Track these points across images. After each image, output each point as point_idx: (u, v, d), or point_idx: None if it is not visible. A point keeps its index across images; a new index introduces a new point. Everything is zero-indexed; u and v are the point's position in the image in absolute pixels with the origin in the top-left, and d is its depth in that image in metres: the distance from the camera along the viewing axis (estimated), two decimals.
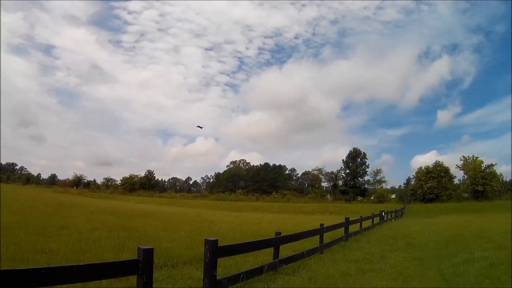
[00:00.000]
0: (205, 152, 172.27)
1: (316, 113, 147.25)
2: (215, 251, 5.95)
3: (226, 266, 8.18)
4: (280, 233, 8.89)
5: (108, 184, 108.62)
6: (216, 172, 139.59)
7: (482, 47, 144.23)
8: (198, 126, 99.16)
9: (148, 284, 4.51)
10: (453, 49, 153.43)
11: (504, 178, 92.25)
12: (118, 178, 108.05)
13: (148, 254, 4.54)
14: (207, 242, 5.90)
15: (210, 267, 5.81)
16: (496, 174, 76.80)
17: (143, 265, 4.45)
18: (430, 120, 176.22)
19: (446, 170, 79.33)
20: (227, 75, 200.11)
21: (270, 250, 8.74)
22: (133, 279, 5.09)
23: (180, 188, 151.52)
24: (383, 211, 27.72)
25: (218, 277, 6.10)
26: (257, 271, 7.43)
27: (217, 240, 6.02)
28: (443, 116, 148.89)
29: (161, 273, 7.46)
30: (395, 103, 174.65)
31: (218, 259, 6.50)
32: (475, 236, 14.50)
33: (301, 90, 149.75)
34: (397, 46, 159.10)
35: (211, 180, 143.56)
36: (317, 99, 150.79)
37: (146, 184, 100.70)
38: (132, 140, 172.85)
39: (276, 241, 8.60)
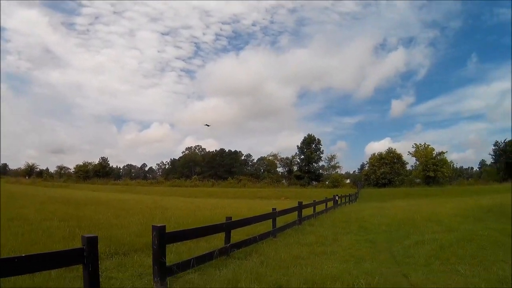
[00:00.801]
0: (161, 138, 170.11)
1: (272, 101, 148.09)
2: (163, 237, 5.79)
3: (179, 252, 8.00)
4: (231, 218, 8.80)
5: (62, 172, 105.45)
6: (172, 159, 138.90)
7: (437, 41, 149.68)
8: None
9: (94, 273, 4.34)
10: (409, 42, 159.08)
11: (454, 165, 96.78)
12: (71, 166, 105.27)
13: (92, 243, 4.36)
14: (154, 228, 5.74)
15: (158, 254, 5.65)
16: (447, 161, 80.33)
17: (87, 254, 4.27)
18: (385, 109, 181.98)
19: (399, 157, 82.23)
20: (183, 60, 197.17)
21: (223, 235, 8.63)
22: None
23: (135, 175, 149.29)
24: (337, 195, 28.13)
25: (168, 264, 5.95)
26: (208, 257, 7.28)
27: (165, 226, 5.85)
28: (397, 106, 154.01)
29: (112, 262, 7.18)
30: (351, 92, 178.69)
31: (171, 245, 6.32)
32: (425, 220, 14.94)
33: (258, 77, 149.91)
34: (354, 37, 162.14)
35: (167, 166, 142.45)
36: (273, 87, 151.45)
37: (100, 172, 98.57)
38: (85, 127, 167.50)
39: (227, 226, 8.49)
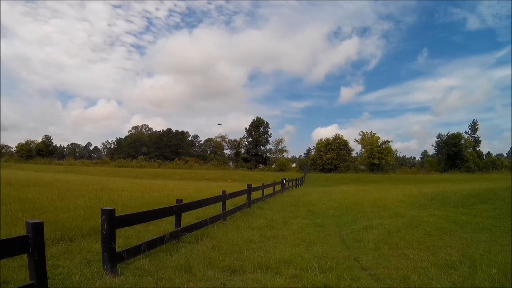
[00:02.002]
0: (107, 116, 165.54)
1: (223, 81, 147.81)
2: (113, 221, 5.62)
3: (127, 237, 7.82)
4: (181, 200, 8.61)
5: (2, 151, 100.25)
6: (118, 138, 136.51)
7: (390, 34, 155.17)
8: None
9: (40, 262, 4.08)
10: (363, 32, 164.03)
11: (398, 154, 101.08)
12: (13, 144, 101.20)
13: (37, 229, 4.07)
14: (103, 212, 5.55)
15: (108, 239, 5.49)
16: (392, 149, 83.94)
17: (33, 241, 4.00)
18: (334, 96, 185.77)
19: (345, 143, 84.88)
20: (134, 35, 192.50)
21: (173, 219, 8.50)
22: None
23: (80, 154, 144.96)
24: (284, 179, 28.54)
25: (118, 249, 5.80)
26: (159, 241, 7.17)
27: (114, 209, 5.68)
28: (346, 93, 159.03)
29: (58, 248, 6.79)
30: (302, 77, 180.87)
31: (120, 230, 6.14)
32: (372, 205, 15.47)
33: (210, 57, 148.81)
34: (310, 22, 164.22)
35: (112, 146, 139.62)
36: (225, 67, 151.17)
37: (44, 151, 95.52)
38: (30, 102, 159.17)
39: (178, 209, 8.33)
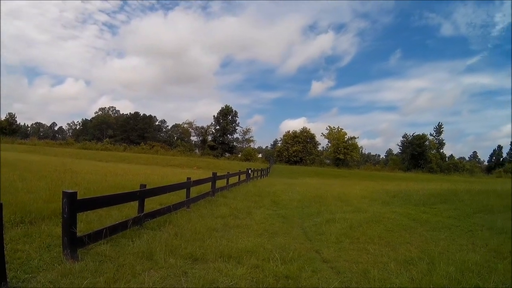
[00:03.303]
0: (74, 96, 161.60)
1: (195, 66, 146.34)
2: (74, 205, 5.49)
3: (89, 221, 7.65)
4: (145, 186, 8.50)
5: None
6: (84, 119, 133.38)
7: (366, 32, 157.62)
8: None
9: None
10: (339, 28, 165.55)
11: (363, 151, 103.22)
12: None
13: None
14: (65, 194, 5.39)
15: (69, 223, 5.36)
16: (357, 146, 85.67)
17: None
18: (305, 89, 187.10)
19: (312, 137, 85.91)
20: (107, 14, 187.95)
21: (136, 204, 8.35)
22: None
23: (44, 134, 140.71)
24: (250, 168, 28.61)
25: (79, 234, 5.67)
26: (121, 226, 7.05)
27: (76, 192, 5.53)
28: (317, 87, 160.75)
29: (17, 232, 6.54)
30: (274, 68, 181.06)
31: (80, 214, 5.98)
32: (335, 199, 15.72)
33: (183, 41, 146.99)
34: (287, 14, 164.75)
35: (78, 127, 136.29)
36: (198, 52, 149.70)
37: (7, 129, 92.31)
38: None
39: (142, 194, 8.22)
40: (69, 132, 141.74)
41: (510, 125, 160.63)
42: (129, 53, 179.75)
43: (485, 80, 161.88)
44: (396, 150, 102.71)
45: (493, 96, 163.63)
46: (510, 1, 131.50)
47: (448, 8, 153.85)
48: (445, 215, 11.44)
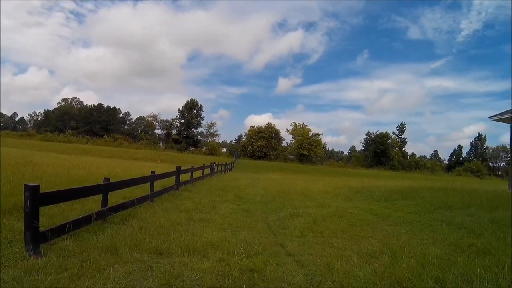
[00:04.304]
0: (37, 86, 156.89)
1: (162, 59, 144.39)
2: (37, 198, 5.32)
3: (51, 215, 7.42)
4: (109, 179, 8.35)
5: None
6: (46, 110, 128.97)
7: (334, 32, 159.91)
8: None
9: None
10: (309, 26, 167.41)
11: (327, 147, 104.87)
12: None
13: None
14: (27, 188, 5.21)
15: (31, 217, 5.19)
16: (321, 142, 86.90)
17: None
18: (271, 85, 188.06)
19: (277, 132, 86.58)
20: (74, 2, 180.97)
21: (99, 198, 8.19)
22: None
23: (4, 125, 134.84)
24: (214, 163, 28.63)
25: (42, 229, 5.50)
26: (85, 221, 6.89)
27: (38, 185, 5.36)
28: (284, 84, 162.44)
29: None
30: (242, 63, 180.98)
31: (42, 208, 5.82)
32: (299, 194, 15.91)
33: (151, 33, 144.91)
34: (257, 10, 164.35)
35: (40, 118, 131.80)
36: (165, 45, 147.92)
37: None
38: None
39: (105, 187, 8.08)
40: (30, 123, 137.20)
41: (470, 127, 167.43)
42: (95, 43, 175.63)
43: (448, 83, 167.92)
44: (359, 147, 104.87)
45: (456, 99, 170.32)
46: (475, 11, 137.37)
47: (416, 12, 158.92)
48: (406, 211, 11.71)
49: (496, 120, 20.44)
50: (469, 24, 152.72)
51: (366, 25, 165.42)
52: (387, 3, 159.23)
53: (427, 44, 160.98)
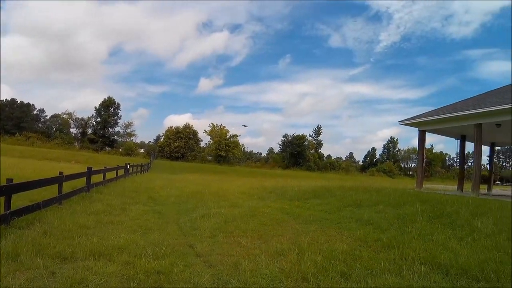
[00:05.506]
0: None
1: (82, 53, 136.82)
2: None
3: None
4: (12, 180, 7.83)
5: None
6: None
7: (259, 36, 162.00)
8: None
9: None
10: (234, 28, 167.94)
11: (245, 148, 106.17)
12: None
13: None
14: None
15: None
16: (239, 143, 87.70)
17: None
18: (193, 85, 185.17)
19: (195, 133, 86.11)
20: None
21: (2, 200, 7.62)
22: None
23: None
24: (129, 163, 27.92)
25: None
26: None
27: None
28: (205, 84, 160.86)
29: None
30: (164, 61, 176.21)
31: None
32: (213, 195, 15.88)
33: (73, 24, 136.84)
34: (184, 8, 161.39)
35: None
36: (86, 38, 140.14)
37: None
38: None
39: (8, 189, 7.56)
40: None
41: (384, 131, 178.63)
42: (12, 31, 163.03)
43: (364, 89, 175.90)
44: (277, 149, 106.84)
45: (371, 104, 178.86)
46: (394, 25, 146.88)
47: (339, 21, 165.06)
48: (317, 209, 12.07)
49: (405, 124, 21.78)
50: (387, 36, 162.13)
51: (290, 31, 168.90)
52: (312, 11, 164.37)
53: (347, 52, 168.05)
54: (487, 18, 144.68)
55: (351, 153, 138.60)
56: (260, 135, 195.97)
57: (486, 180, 28.06)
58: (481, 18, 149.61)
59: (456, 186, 24.01)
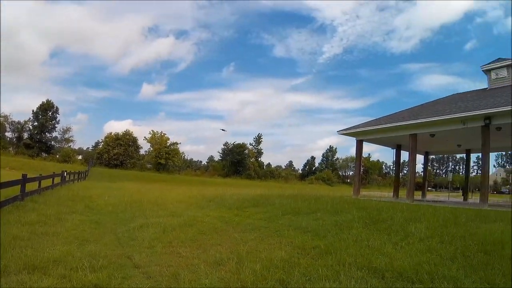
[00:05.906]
0: None
1: (22, 53, 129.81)
2: None
3: None
4: None
5: None
6: None
7: (204, 43, 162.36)
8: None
9: None
10: (180, 34, 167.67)
11: (185, 156, 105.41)
12: None
13: None
14: None
15: None
16: (179, 151, 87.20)
17: None
18: (135, 91, 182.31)
19: (134, 140, 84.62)
20: None
21: None
22: None
23: None
24: (66, 171, 27.08)
25: None
26: None
27: None
28: (148, 90, 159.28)
29: None
30: (107, 65, 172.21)
31: None
32: (152, 204, 15.68)
33: (15, 23, 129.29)
34: (130, 12, 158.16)
35: None
36: (28, 37, 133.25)
37: None
38: None
39: None
40: None
41: (324, 139, 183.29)
42: None
43: (306, 99, 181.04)
44: (217, 157, 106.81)
45: (312, 114, 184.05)
46: (338, 38, 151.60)
47: (284, 32, 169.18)
48: (256, 218, 12.17)
49: (343, 134, 22.61)
50: (330, 48, 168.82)
51: (235, 39, 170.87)
52: (258, 20, 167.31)
53: (290, 62, 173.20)
54: (426, 34, 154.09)
55: (290, 162, 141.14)
56: (201, 142, 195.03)
57: (421, 186, 29.74)
58: (421, 33, 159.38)
59: (392, 193, 25.19)
